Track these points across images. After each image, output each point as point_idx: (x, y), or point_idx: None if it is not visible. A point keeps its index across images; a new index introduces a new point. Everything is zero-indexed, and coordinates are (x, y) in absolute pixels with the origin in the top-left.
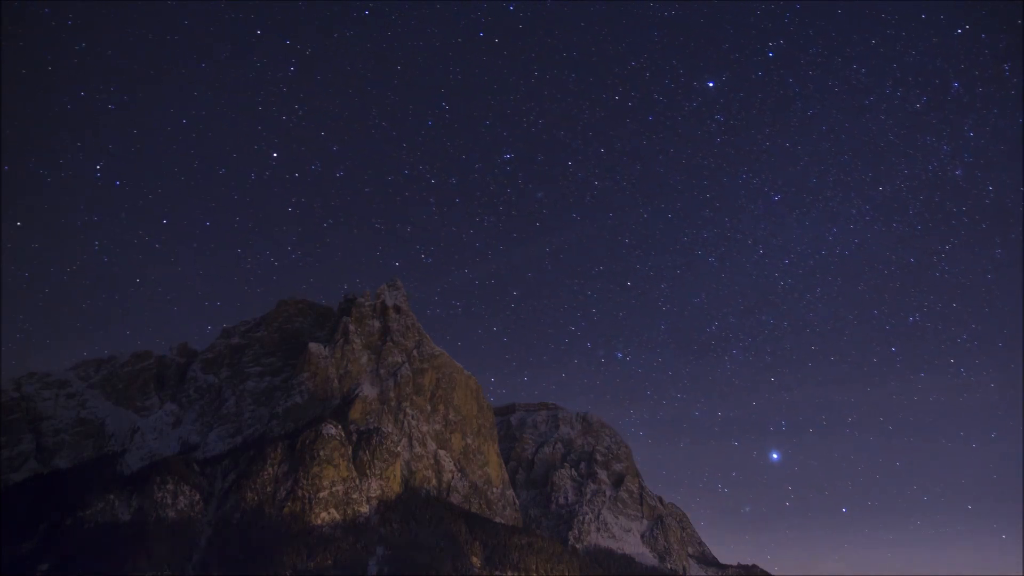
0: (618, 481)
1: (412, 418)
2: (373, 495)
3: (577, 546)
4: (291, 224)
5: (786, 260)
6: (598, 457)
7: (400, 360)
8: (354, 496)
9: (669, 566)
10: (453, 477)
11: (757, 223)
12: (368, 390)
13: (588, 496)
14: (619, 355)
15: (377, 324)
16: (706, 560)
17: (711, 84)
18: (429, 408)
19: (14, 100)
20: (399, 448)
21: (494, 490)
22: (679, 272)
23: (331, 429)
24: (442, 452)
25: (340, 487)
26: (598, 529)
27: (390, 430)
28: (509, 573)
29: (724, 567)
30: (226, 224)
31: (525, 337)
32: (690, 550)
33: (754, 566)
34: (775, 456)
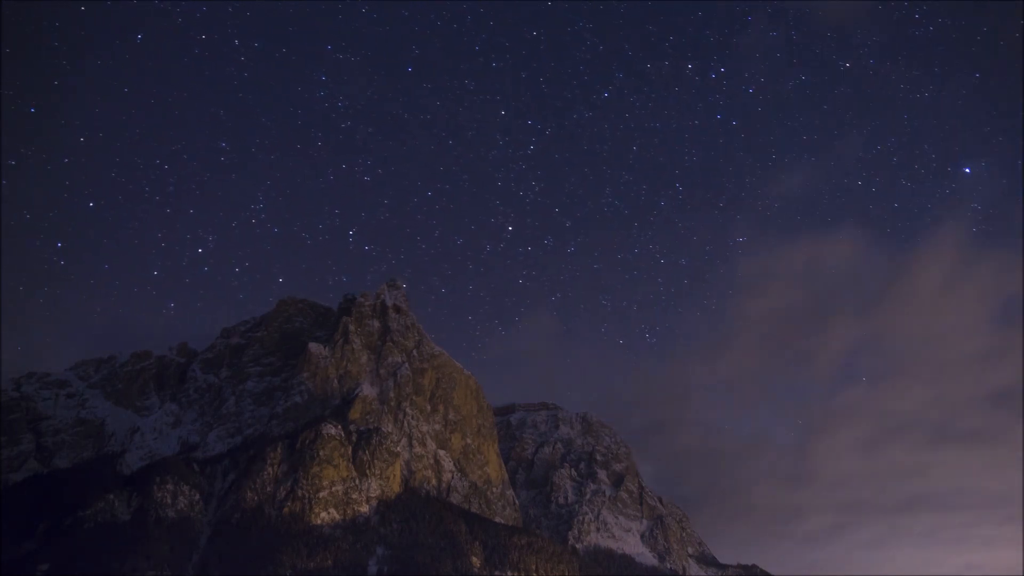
0: (618, 481)
1: (412, 418)
2: (373, 495)
3: (577, 546)
4: (520, 296)
5: None
6: (598, 457)
7: (400, 360)
8: (354, 496)
9: (669, 566)
10: (453, 477)
11: None
12: (368, 390)
13: (588, 496)
14: None
15: (377, 324)
16: (705, 560)
17: (967, 170)
18: (429, 408)
19: (289, 173)
20: (399, 448)
21: (494, 490)
22: None
23: (331, 429)
24: (442, 452)
25: (340, 487)
26: (598, 529)
27: (390, 430)
28: (509, 573)
29: (724, 567)
30: (460, 292)
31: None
32: (690, 550)
33: (754, 566)
34: None
